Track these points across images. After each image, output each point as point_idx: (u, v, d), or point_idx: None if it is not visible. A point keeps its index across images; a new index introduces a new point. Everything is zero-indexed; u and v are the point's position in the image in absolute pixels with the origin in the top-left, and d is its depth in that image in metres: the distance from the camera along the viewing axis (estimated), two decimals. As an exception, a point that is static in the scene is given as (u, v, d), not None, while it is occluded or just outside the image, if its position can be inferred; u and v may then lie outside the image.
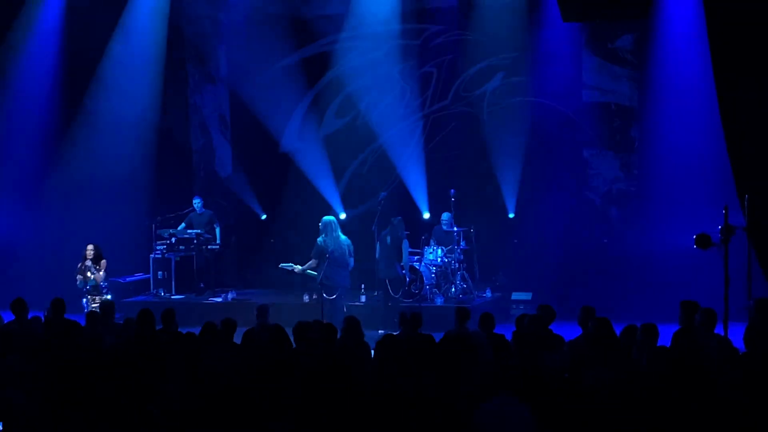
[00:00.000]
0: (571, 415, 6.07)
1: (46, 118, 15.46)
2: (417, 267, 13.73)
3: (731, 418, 5.93)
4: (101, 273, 12.65)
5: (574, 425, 5.98)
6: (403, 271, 13.29)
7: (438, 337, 8.45)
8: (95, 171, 15.51)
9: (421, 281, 13.66)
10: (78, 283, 12.66)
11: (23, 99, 15.34)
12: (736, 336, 8.35)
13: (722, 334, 8.77)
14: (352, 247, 12.20)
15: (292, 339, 8.31)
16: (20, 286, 13.81)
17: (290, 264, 12.47)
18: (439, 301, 13.77)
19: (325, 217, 12.28)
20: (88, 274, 12.59)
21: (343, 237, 12.12)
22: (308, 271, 12.25)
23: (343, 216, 15.75)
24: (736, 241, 9.97)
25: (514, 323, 8.71)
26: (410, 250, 13.54)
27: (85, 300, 12.64)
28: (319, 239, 12.02)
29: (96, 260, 12.70)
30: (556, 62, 14.88)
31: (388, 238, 13.18)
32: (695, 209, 13.05)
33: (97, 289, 12.63)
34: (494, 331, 8.63)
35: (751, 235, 10.60)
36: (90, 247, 12.78)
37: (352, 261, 12.21)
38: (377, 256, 13.36)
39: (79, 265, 12.72)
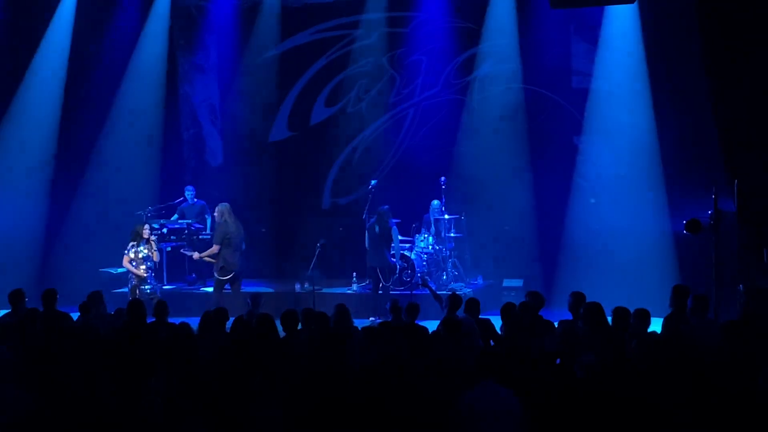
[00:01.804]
0: (560, 400, 6.10)
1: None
2: (408, 255, 13.74)
3: (721, 403, 5.98)
4: (156, 251, 12.57)
5: (564, 410, 6.01)
6: (394, 260, 13.29)
7: (428, 324, 8.48)
8: (85, 163, 15.45)
9: (413, 269, 13.67)
10: (128, 267, 12.28)
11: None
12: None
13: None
14: (243, 233, 12.97)
15: (280, 328, 8.32)
16: (12, 277, 13.80)
17: (189, 249, 13.40)
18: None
19: (221, 204, 12.92)
20: (153, 253, 12.31)
21: (238, 222, 12.86)
22: (206, 258, 12.78)
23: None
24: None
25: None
26: (401, 238, 13.55)
27: (149, 286, 12.28)
28: (221, 225, 12.61)
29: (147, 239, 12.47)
30: (545, 49, 14.85)
31: (377, 227, 13.18)
32: (686, 195, 13.07)
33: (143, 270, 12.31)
34: (485, 317, 8.67)
35: (741, 219, 10.63)
36: (146, 225, 12.51)
37: (243, 245, 12.97)
38: (366, 245, 13.36)
39: (129, 247, 12.28)
